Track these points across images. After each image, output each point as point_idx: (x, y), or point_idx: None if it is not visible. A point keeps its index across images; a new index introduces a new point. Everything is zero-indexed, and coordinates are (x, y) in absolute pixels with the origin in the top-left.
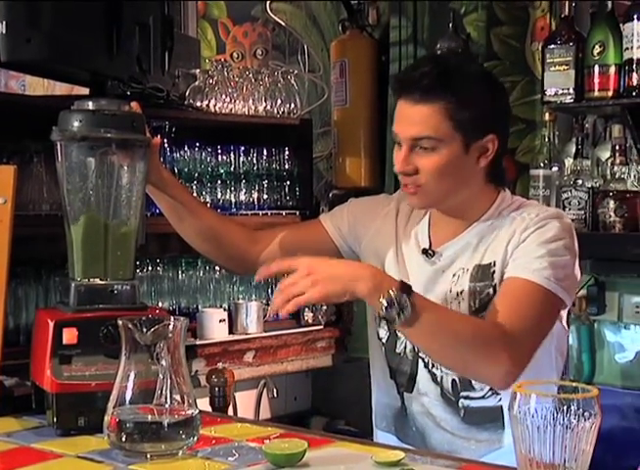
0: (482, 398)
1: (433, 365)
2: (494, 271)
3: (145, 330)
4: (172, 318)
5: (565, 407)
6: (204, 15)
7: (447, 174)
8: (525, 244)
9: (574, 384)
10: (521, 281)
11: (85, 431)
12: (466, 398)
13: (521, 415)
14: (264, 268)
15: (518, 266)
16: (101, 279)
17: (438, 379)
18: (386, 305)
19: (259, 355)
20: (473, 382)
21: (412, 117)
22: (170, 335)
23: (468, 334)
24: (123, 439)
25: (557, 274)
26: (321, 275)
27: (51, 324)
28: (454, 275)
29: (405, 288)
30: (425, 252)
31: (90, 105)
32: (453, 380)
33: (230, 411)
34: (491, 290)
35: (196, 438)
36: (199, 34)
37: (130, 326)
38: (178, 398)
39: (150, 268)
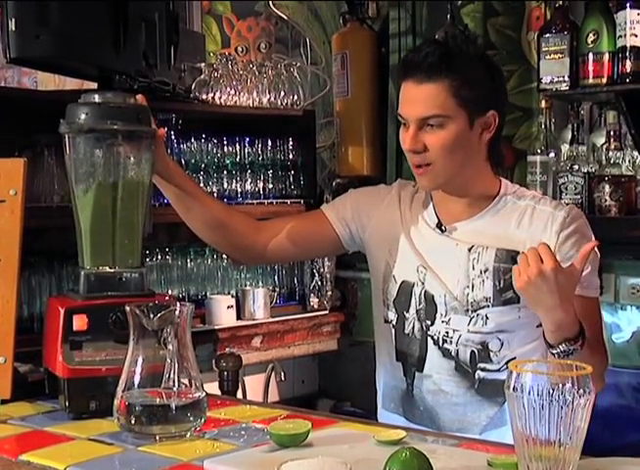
0: (498, 371)
1: (444, 341)
2: None
3: (152, 316)
4: (178, 304)
5: (560, 385)
6: (209, 11)
7: (455, 150)
8: (571, 252)
9: (569, 362)
10: (591, 301)
11: (96, 414)
12: (482, 369)
13: (517, 393)
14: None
15: (585, 286)
16: (110, 267)
17: (453, 353)
18: (559, 351)
19: (267, 340)
20: (491, 354)
21: (418, 97)
22: (177, 320)
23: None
24: (132, 421)
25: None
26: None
27: (62, 311)
28: (474, 252)
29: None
30: (438, 226)
31: (96, 98)
32: (472, 352)
33: (239, 395)
34: None
35: (203, 420)
36: (204, 29)
37: (137, 312)
38: (185, 381)
39: (159, 257)
